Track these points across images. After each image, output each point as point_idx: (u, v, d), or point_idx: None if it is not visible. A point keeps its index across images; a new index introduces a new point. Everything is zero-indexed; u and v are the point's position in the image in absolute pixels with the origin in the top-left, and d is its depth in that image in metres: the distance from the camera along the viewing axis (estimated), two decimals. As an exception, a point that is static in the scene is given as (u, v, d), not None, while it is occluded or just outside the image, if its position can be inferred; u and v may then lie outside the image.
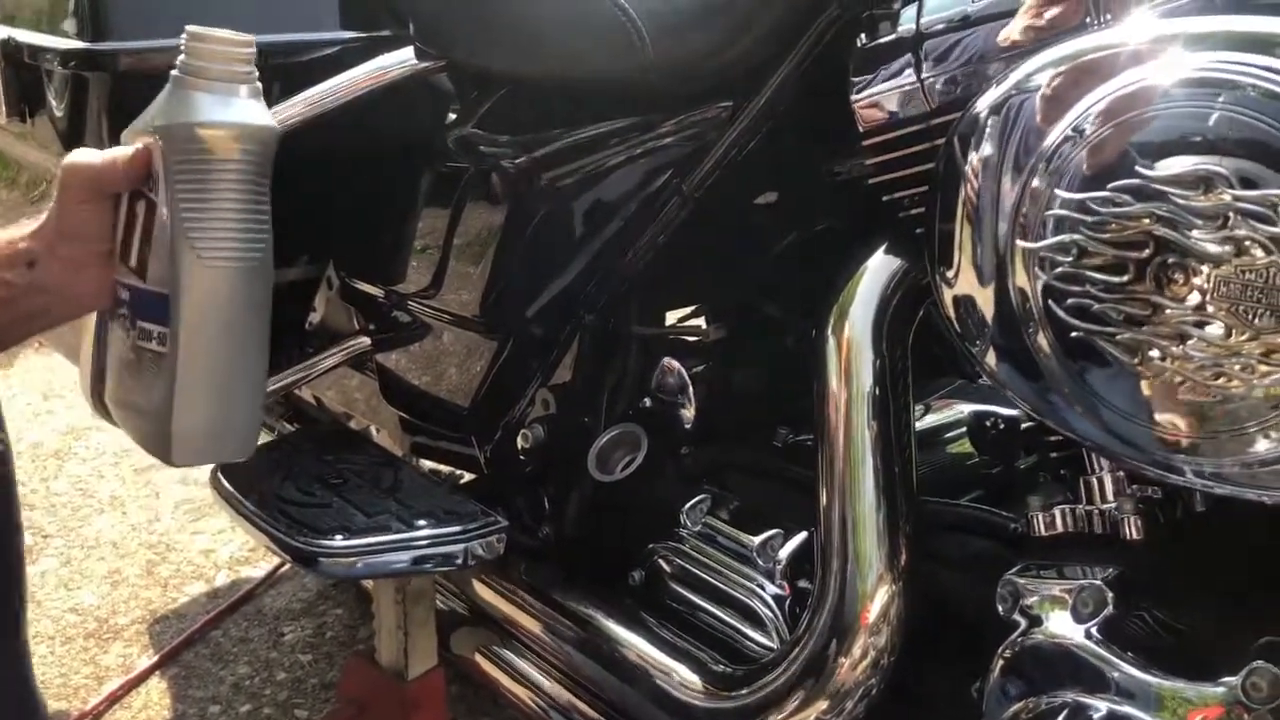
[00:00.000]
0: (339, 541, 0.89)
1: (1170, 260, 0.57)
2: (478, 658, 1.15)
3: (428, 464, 1.21)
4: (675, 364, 1.07)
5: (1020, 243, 0.63)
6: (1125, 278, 0.58)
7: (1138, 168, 0.57)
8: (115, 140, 1.15)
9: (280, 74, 1.14)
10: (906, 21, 0.82)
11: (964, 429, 1.00)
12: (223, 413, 0.79)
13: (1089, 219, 0.59)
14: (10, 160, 1.50)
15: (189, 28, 0.75)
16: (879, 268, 0.87)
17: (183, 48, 0.75)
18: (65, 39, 1.14)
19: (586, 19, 0.96)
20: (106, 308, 0.82)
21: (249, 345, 0.80)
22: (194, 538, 1.99)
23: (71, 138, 1.20)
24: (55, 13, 1.19)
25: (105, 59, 1.11)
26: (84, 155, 0.78)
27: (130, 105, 1.16)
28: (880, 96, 0.83)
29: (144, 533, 2.00)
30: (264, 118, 0.77)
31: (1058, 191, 0.61)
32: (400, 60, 1.09)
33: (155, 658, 1.65)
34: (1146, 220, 0.57)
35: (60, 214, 0.78)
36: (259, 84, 0.77)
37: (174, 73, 0.76)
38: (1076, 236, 0.60)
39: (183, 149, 0.73)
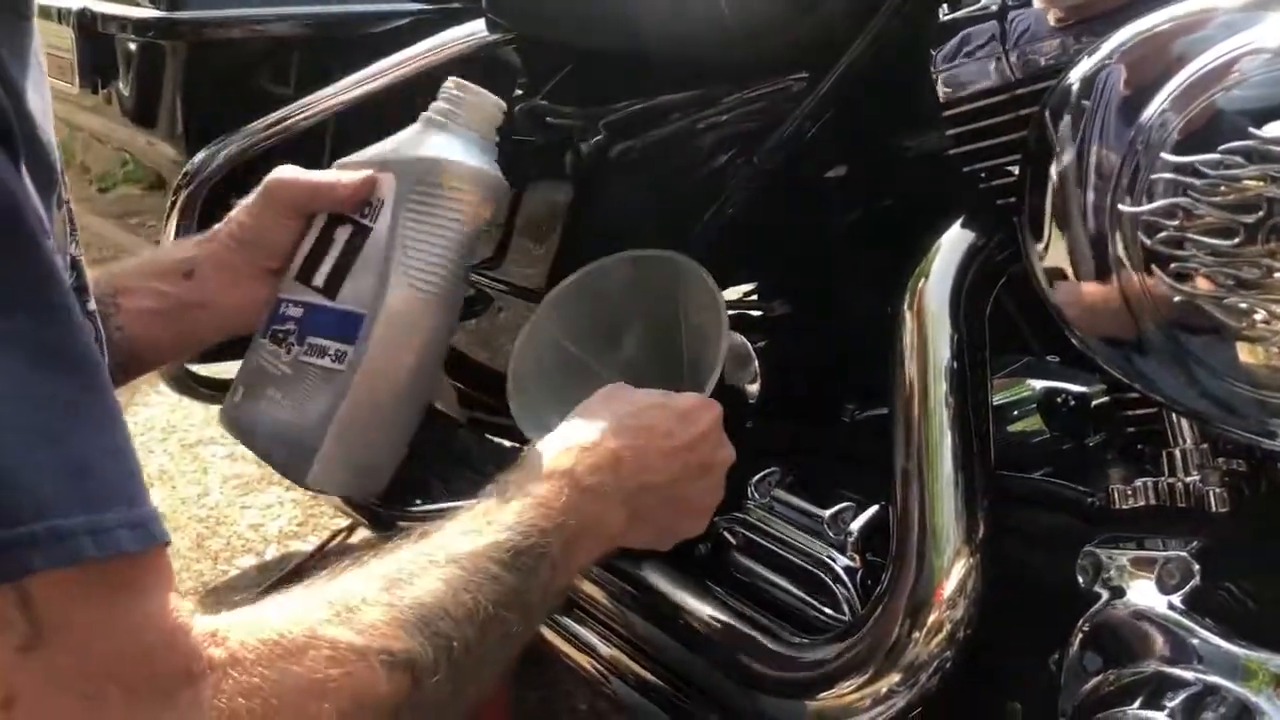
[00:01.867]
0: (418, 506, 0.89)
1: (1283, 223, 0.56)
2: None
3: (492, 439, 1.21)
4: (740, 338, 1.07)
5: (1123, 208, 0.63)
6: (1235, 241, 0.58)
7: (1250, 129, 0.57)
8: (188, 110, 1.18)
9: (353, 45, 1.16)
10: (990, -7, 0.82)
11: (1033, 405, 0.99)
12: (377, 439, 0.78)
13: (1198, 182, 0.59)
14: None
15: (452, 78, 0.81)
16: (956, 241, 0.86)
17: (441, 94, 0.81)
18: (141, 8, 1.16)
19: (664, -12, 0.96)
20: (253, 325, 0.81)
21: (422, 380, 0.79)
22: (243, 512, 2.01)
23: (142, 109, 1.21)
24: (129, -18, 1.20)
25: (181, 28, 1.12)
26: (294, 172, 0.80)
27: (204, 75, 1.18)
28: (963, 68, 0.83)
29: (194, 507, 2.02)
30: (499, 174, 0.81)
31: (1163, 155, 0.61)
32: (471, 32, 1.09)
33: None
34: (1260, 182, 0.56)
35: (249, 223, 0.80)
36: (497, 147, 0.82)
37: (426, 114, 0.81)
38: (1182, 200, 0.59)
39: (424, 180, 0.77)
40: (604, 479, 0.70)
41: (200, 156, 1.14)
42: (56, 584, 0.43)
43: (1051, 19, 0.78)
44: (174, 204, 1.12)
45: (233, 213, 0.82)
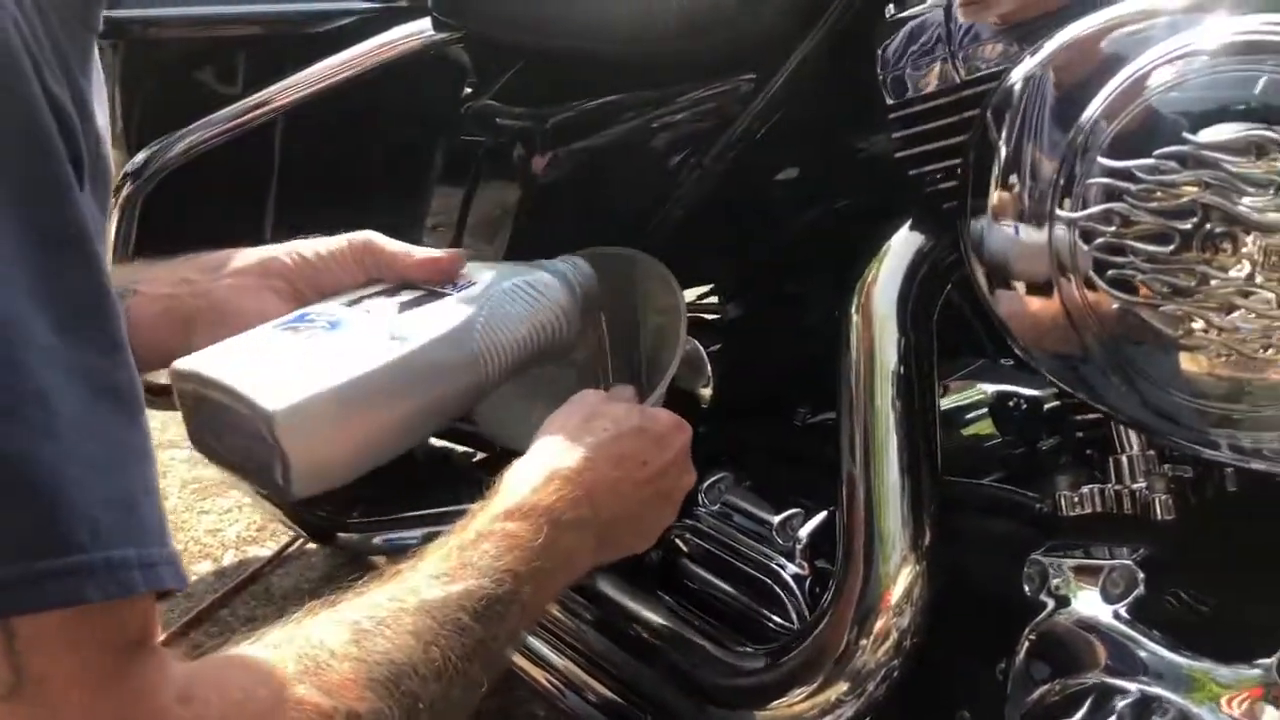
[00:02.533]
0: (355, 517, 0.87)
1: (1218, 229, 0.55)
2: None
3: (438, 443, 1.19)
4: (693, 341, 1.06)
5: (1060, 213, 0.62)
6: (1170, 247, 0.57)
7: (1185, 134, 0.56)
8: (128, 111, 1.15)
9: (297, 44, 1.13)
10: (937, -9, 0.80)
11: (985, 409, 0.98)
12: (363, 431, 0.71)
13: (1134, 187, 0.57)
14: None
15: (601, 251, 0.91)
16: (904, 244, 0.85)
17: (564, 257, 0.88)
18: (76, 7, 1.13)
19: (609, -12, 0.94)
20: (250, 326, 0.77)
21: (422, 420, 0.76)
22: (201, 517, 1.98)
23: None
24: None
25: (116, 28, 1.09)
26: (385, 240, 0.81)
27: (145, 75, 1.15)
28: (909, 68, 0.82)
29: (151, 511, 1.99)
30: (576, 332, 0.87)
31: (1100, 160, 0.60)
32: (417, 31, 1.07)
33: (162, 636, 1.63)
34: (1195, 188, 0.55)
35: (323, 254, 0.79)
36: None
37: (547, 260, 0.88)
38: (1119, 205, 0.58)
39: (530, 282, 0.83)
40: (581, 513, 0.69)
41: (141, 157, 1.12)
42: (41, 629, 0.42)
43: (999, 18, 0.77)
44: (114, 204, 1.10)
45: (303, 240, 0.80)
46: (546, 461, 0.71)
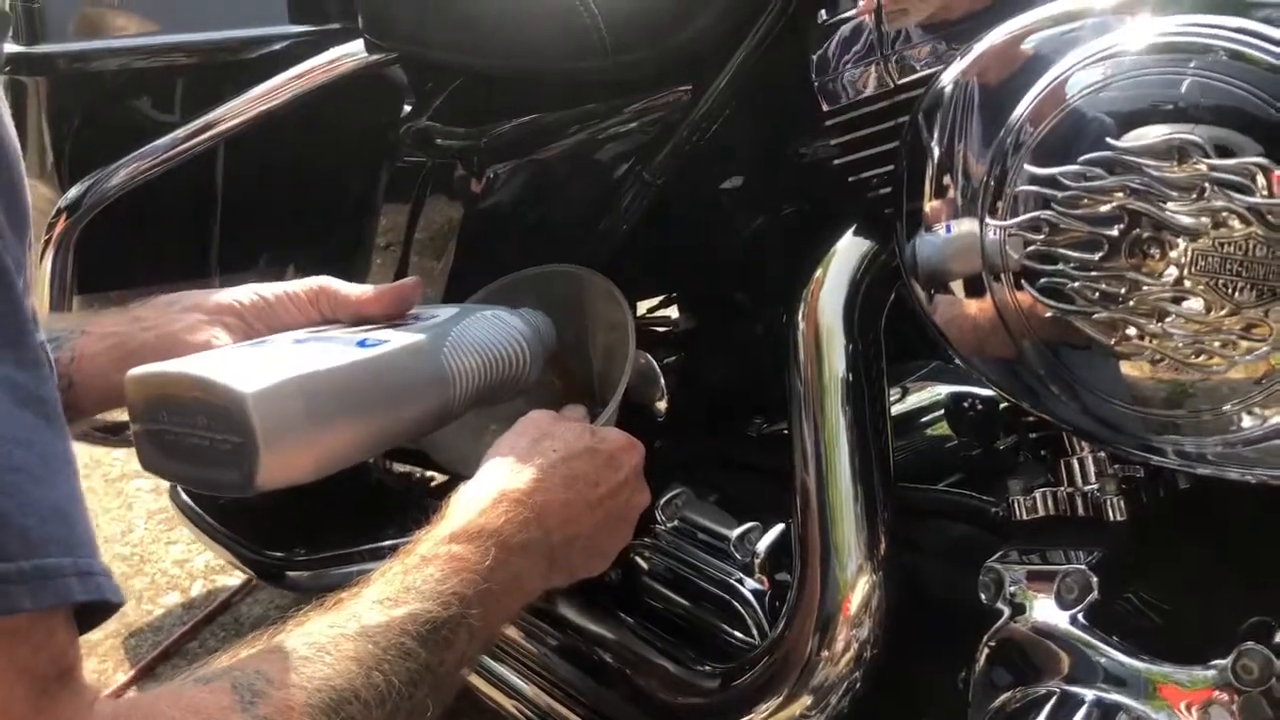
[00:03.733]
0: (304, 554, 0.86)
1: (1145, 235, 0.54)
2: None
3: (399, 467, 1.18)
4: (646, 355, 1.04)
5: (990, 220, 0.61)
6: (1099, 254, 0.56)
7: (1108, 139, 0.55)
8: (58, 146, 1.13)
9: (229, 70, 1.11)
10: (867, -6, 0.79)
11: (942, 411, 0.98)
12: (323, 424, 0.69)
13: (1060, 194, 0.57)
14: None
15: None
16: (848, 250, 0.84)
17: (527, 310, 0.89)
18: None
19: (538, 3, 0.93)
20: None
21: (386, 427, 0.75)
22: (168, 548, 1.95)
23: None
24: (-12, 16, 1.15)
25: (43, 62, 1.07)
26: (335, 281, 0.81)
27: (73, 109, 1.13)
28: (842, 73, 0.81)
29: (117, 544, 1.96)
30: (535, 375, 0.88)
31: (1026, 167, 0.59)
32: (350, 53, 1.05)
33: (131, 672, 1.62)
34: (1120, 194, 0.54)
35: (282, 298, 0.78)
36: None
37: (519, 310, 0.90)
38: (1047, 213, 0.57)
39: (498, 314, 0.86)
40: (530, 535, 0.68)
41: (76, 191, 1.09)
42: None
43: (929, 21, 0.76)
44: (48, 241, 1.08)
45: (265, 284, 0.80)
46: (495, 483, 0.70)
